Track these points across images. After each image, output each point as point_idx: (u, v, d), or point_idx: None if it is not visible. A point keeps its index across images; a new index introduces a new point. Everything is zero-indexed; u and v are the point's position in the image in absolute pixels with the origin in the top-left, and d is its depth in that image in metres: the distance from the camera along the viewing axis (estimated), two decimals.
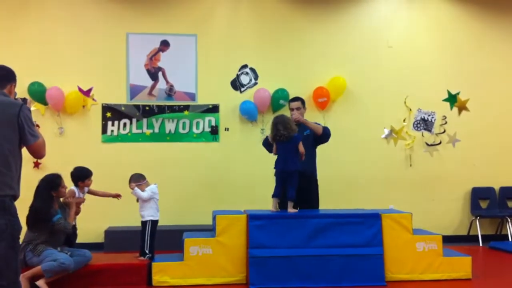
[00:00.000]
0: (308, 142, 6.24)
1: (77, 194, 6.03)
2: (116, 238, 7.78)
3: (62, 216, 5.66)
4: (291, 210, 6.00)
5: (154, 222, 6.08)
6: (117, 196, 6.38)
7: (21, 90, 7.87)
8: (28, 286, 5.32)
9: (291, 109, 6.49)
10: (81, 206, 6.18)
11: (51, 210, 5.54)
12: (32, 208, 5.49)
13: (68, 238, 5.90)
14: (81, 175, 6.12)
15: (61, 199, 5.86)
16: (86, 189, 6.22)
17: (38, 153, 3.66)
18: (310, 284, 5.67)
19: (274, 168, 6.10)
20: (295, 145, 5.94)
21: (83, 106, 8.26)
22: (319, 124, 6.54)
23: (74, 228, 6.17)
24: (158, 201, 6.17)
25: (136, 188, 6.04)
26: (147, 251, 5.99)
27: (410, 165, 8.84)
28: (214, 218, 6.00)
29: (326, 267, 5.74)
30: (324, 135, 6.46)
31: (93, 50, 8.33)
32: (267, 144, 6.37)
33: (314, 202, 6.47)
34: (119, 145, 8.35)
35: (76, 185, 6.09)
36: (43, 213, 5.48)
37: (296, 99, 6.64)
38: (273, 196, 6.12)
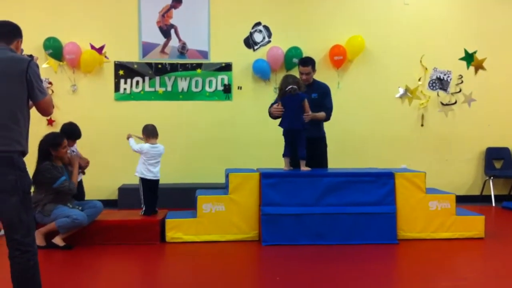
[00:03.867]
0: (315, 106, 6.14)
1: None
2: (130, 196, 7.83)
3: (68, 176, 5.68)
4: (303, 168, 6.00)
5: (144, 180, 6.08)
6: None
7: (36, 44, 7.90)
8: (43, 242, 5.42)
9: (301, 73, 6.27)
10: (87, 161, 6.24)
11: (52, 173, 5.50)
12: (36, 169, 5.46)
13: (75, 195, 5.93)
14: (71, 133, 6.04)
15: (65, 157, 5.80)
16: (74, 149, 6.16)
17: (46, 109, 3.62)
18: (322, 242, 5.70)
19: (280, 125, 6.06)
20: (300, 103, 5.89)
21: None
22: (327, 108, 6.33)
23: (81, 185, 6.22)
24: (155, 162, 6.12)
25: (130, 139, 6.13)
26: (142, 206, 6.09)
27: (422, 125, 8.76)
28: (227, 176, 6.02)
29: (339, 225, 5.77)
30: (326, 119, 6.37)
31: (105, 7, 8.25)
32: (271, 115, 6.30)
33: (323, 164, 6.44)
34: (131, 103, 8.34)
35: None
36: (46, 175, 5.47)
37: (306, 63, 6.27)
38: (284, 155, 6.12)
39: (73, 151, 6.11)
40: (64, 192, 5.58)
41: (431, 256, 5.37)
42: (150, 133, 6.17)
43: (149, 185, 6.11)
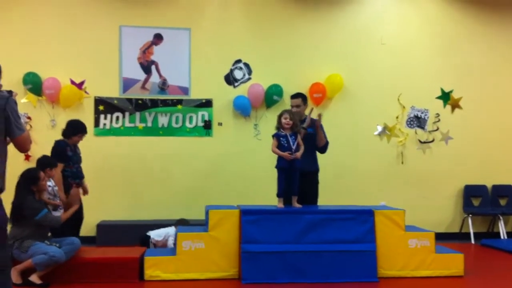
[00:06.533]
0: (310, 141, 6.19)
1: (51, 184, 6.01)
2: (108, 232, 7.74)
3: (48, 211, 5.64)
4: (296, 205, 5.99)
5: None
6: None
7: (16, 80, 7.86)
8: (19, 279, 5.30)
9: (292, 106, 6.38)
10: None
11: (34, 206, 5.48)
12: (15, 205, 5.41)
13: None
14: (46, 163, 6.02)
15: (46, 197, 5.83)
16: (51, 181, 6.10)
17: (23, 146, 3.59)
18: (302, 280, 5.66)
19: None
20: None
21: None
22: (325, 138, 6.45)
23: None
24: None
25: None
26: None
27: (402, 163, 8.84)
28: (207, 213, 5.97)
29: (319, 263, 5.74)
30: (321, 148, 6.45)
31: (86, 42, 8.26)
32: None
33: (313, 200, 6.42)
34: (111, 139, 8.29)
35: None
36: (26, 210, 5.43)
37: (297, 96, 6.47)
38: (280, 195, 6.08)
39: (51, 186, 6.04)
40: (45, 225, 5.54)
41: None
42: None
43: None
